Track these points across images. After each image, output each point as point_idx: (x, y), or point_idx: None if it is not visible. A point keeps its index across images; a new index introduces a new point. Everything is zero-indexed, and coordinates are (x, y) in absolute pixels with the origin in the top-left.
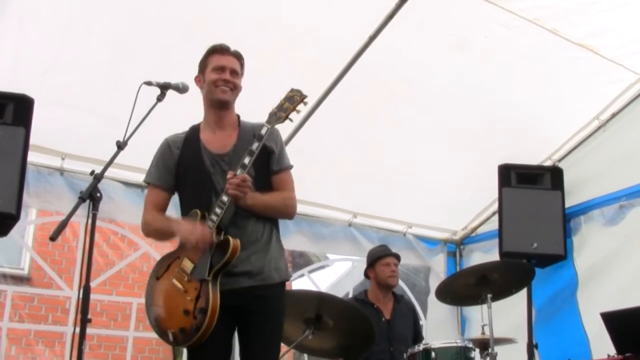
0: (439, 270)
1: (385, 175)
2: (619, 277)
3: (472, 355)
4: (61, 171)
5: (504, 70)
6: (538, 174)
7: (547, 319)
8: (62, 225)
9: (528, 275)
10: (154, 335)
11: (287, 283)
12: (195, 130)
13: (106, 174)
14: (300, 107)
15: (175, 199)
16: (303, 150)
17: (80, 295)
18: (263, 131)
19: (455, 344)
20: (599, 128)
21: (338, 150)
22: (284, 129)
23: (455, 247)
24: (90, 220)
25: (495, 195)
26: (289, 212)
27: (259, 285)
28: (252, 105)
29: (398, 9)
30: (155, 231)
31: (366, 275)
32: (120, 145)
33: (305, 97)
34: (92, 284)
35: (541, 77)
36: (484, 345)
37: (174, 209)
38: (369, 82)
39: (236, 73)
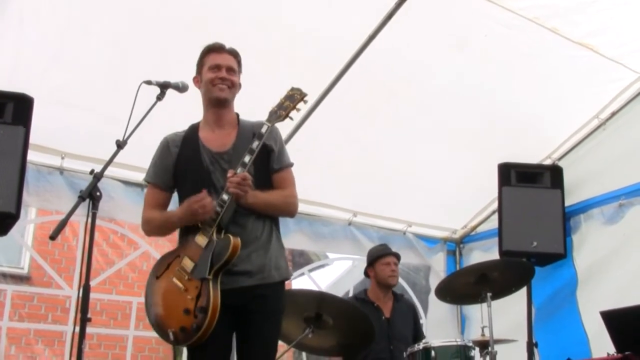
0: (438, 269)
1: (385, 175)
2: (618, 276)
3: (472, 354)
4: (61, 170)
5: (503, 69)
6: (538, 173)
7: (547, 317)
8: (62, 224)
9: (528, 274)
10: (154, 334)
11: (287, 282)
12: (194, 129)
13: (106, 173)
14: (301, 105)
15: (175, 198)
16: (302, 149)
17: (80, 295)
18: (263, 130)
19: (455, 343)
20: (598, 127)
21: (338, 150)
22: (283, 128)
23: (455, 246)
24: (90, 219)
25: (495, 194)
26: (290, 210)
27: (259, 284)
28: (252, 105)
29: (398, 8)
30: (157, 226)
31: (366, 274)
32: (120, 145)
33: (305, 95)
34: (92, 283)
35: (541, 76)
36: (483, 344)
37: (173, 208)
38: (369, 82)
39: (233, 70)
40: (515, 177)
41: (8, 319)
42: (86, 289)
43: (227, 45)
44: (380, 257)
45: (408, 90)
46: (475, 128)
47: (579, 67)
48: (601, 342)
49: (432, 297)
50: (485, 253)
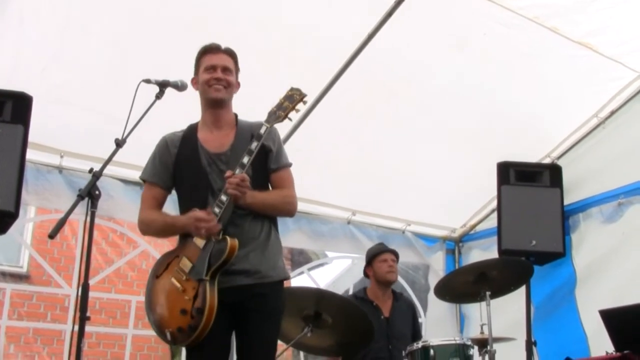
0: (437, 267)
1: (384, 174)
2: (617, 275)
3: (471, 352)
4: (60, 169)
5: (503, 69)
6: (537, 172)
7: (546, 316)
8: (61, 223)
9: (527, 273)
10: (153, 333)
11: (286, 282)
12: (192, 129)
13: (105, 171)
14: (300, 106)
15: (174, 196)
16: (301, 149)
17: (79, 293)
18: (262, 130)
19: (454, 342)
20: (598, 126)
21: (337, 149)
22: (282, 127)
23: (454, 245)
24: (89, 218)
25: (494, 193)
26: (289, 210)
27: (257, 283)
28: (251, 105)
29: (397, 6)
30: (158, 229)
31: (365, 274)
32: (119, 143)
33: (304, 95)
34: (91, 282)
35: (540, 75)
36: (482, 342)
37: (173, 208)
38: (368, 82)
39: (229, 70)
40: (514, 175)
41: (7, 318)
42: (85, 288)
43: (226, 45)
44: (377, 254)
45: (408, 90)
46: (475, 128)
47: (579, 66)
48: (600, 340)
49: (431, 295)
50: (484, 252)
